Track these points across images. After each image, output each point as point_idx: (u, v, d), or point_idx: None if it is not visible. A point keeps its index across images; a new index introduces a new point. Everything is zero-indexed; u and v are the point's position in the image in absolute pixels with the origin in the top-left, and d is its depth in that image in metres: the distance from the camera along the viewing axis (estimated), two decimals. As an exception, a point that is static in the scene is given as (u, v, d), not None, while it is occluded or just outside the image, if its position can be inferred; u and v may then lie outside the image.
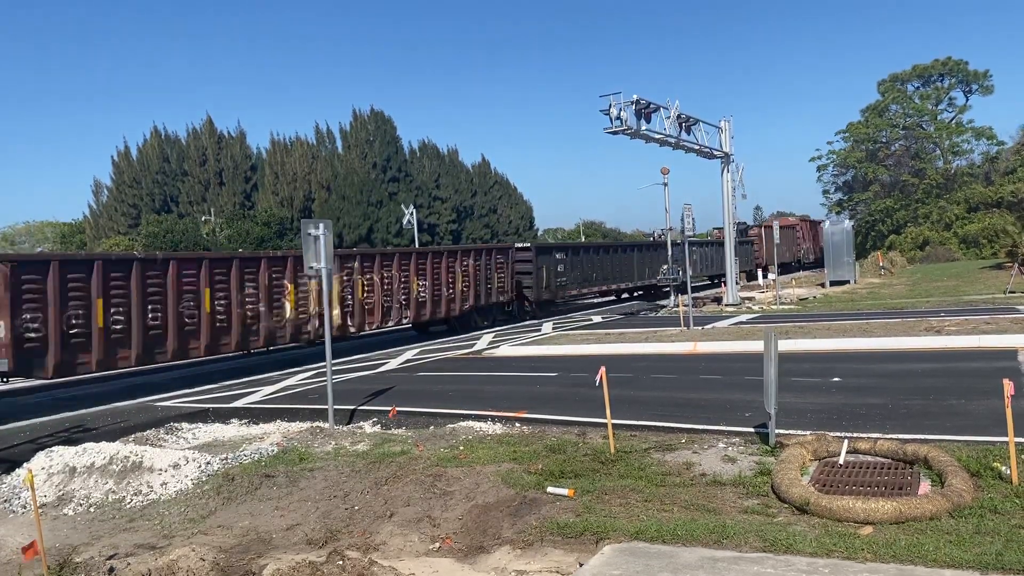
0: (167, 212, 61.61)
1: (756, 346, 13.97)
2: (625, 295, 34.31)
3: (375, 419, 10.94)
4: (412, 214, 39.89)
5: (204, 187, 62.83)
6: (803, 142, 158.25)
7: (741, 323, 20.55)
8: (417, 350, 18.70)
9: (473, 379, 14.04)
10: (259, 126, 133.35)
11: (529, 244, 26.95)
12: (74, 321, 13.05)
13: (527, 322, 25.15)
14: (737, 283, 28.96)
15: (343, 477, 7.88)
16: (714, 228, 47.04)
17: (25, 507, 7.49)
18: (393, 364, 16.44)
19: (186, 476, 8.02)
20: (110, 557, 6.18)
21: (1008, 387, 6.66)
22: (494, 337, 20.69)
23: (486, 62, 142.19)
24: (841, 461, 7.31)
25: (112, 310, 13.62)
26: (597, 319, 24.90)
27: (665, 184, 27.07)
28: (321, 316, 16.87)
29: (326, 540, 6.30)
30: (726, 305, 26.87)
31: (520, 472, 7.57)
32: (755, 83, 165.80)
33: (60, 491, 7.80)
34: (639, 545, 5.55)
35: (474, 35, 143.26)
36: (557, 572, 5.42)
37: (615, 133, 22.21)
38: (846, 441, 7.58)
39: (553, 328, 22.34)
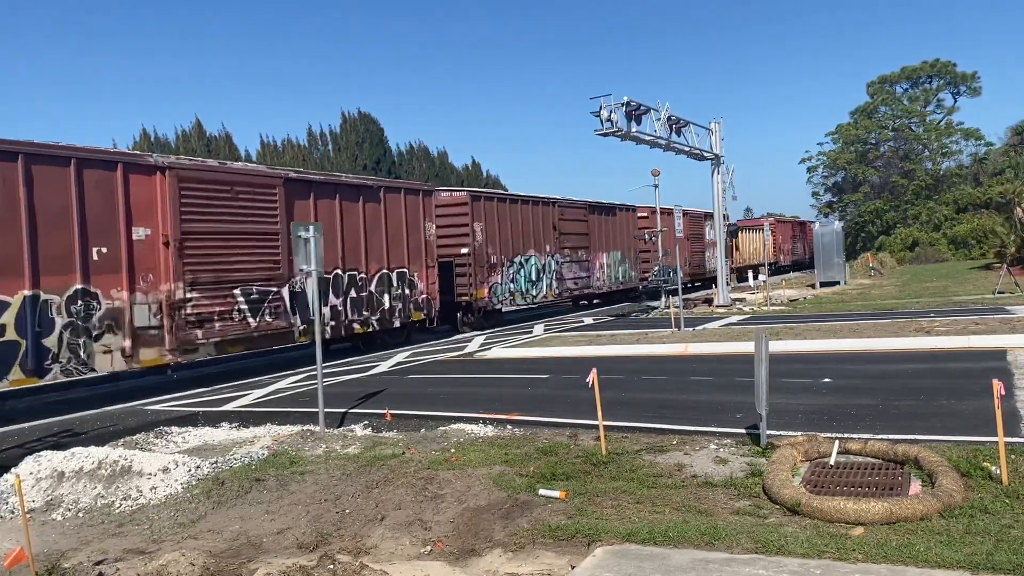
0: (157, 215, 61.23)
1: (747, 347, 14.00)
2: None
3: (366, 422, 10.91)
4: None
5: (194, 190, 62.52)
6: (794, 144, 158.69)
7: (732, 324, 20.60)
8: (408, 353, 18.66)
9: (464, 381, 14.02)
10: (248, 129, 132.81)
11: None
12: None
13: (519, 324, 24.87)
14: (728, 284, 29.02)
15: (334, 480, 7.85)
16: None
17: (13, 512, 7.43)
18: (384, 367, 16.40)
19: (176, 480, 7.97)
20: (99, 562, 6.13)
21: (998, 387, 6.69)
22: (486, 339, 20.68)
23: (477, 65, 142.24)
24: (832, 462, 7.33)
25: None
26: (589, 320, 24.91)
27: (656, 186, 27.14)
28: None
29: (317, 544, 6.27)
30: (717, 306, 26.92)
31: (512, 474, 7.56)
32: (745, 85, 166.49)
33: (48, 496, 7.74)
34: (631, 547, 5.55)
35: (464, 38, 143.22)
36: (549, 575, 5.41)
37: (605, 135, 22.23)
38: (837, 442, 7.60)
39: (545, 330, 22.35)
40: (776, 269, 50.47)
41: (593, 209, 29.79)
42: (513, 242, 24.60)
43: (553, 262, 26.71)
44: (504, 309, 24.94)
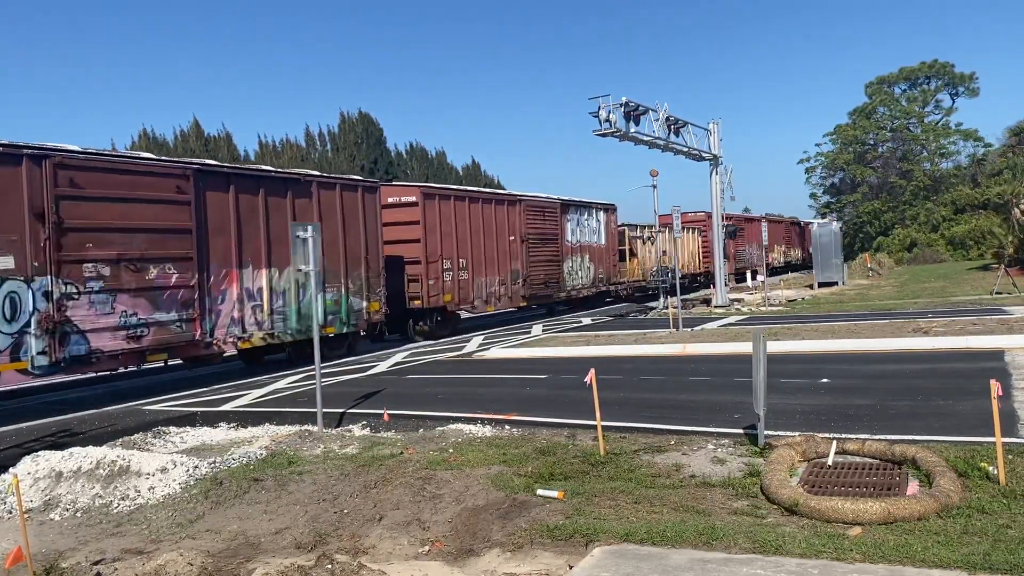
0: (155, 215, 61.05)
1: (745, 347, 14.01)
2: None
3: (364, 422, 10.90)
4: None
5: (192, 190, 62.33)
6: (793, 144, 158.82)
7: (730, 325, 20.61)
8: (406, 353, 18.66)
9: (463, 381, 14.02)
10: (246, 129, 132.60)
11: None
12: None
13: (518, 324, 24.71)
14: (726, 284, 29.03)
15: (332, 481, 7.85)
16: None
17: (11, 512, 7.42)
18: (382, 367, 16.40)
19: (174, 480, 7.96)
20: (97, 562, 6.13)
21: (995, 387, 6.70)
22: (484, 339, 20.68)
23: (476, 65, 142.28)
24: (830, 462, 7.34)
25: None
26: (587, 321, 24.91)
27: (654, 186, 27.13)
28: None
29: (315, 544, 6.27)
30: (715, 307, 26.95)
31: (510, 474, 7.56)
32: (744, 85, 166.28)
33: (46, 496, 7.74)
34: (629, 547, 5.55)
35: (463, 37, 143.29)
36: (547, 574, 5.41)
37: (604, 135, 22.27)
38: (835, 442, 7.60)
39: (543, 330, 22.35)
40: (697, 283, 39.38)
41: (224, 179, 15.02)
42: None
43: (40, 292, 11.89)
44: None
